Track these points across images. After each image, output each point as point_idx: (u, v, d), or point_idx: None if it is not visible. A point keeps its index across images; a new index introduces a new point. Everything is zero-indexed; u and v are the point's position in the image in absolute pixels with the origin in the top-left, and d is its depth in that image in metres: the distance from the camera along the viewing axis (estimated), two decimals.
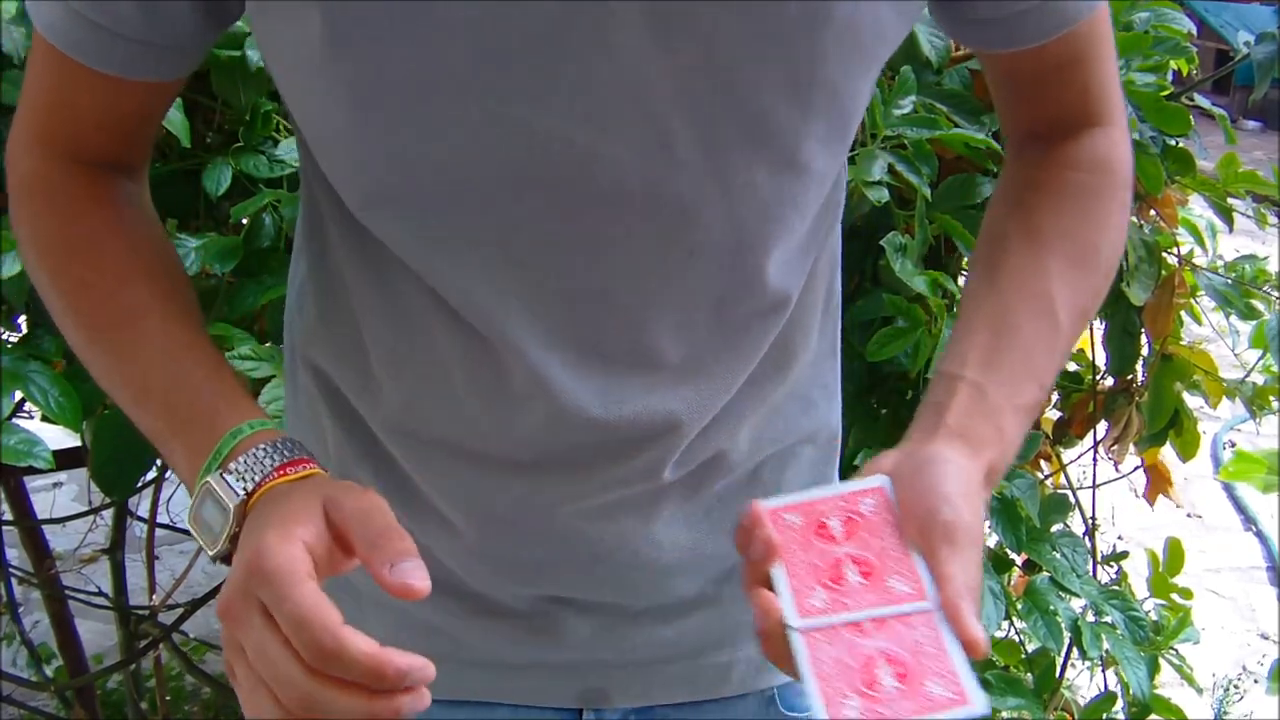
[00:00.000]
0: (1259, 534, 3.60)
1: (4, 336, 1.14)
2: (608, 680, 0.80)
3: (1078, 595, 1.39)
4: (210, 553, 0.61)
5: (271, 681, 0.52)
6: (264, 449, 0.61)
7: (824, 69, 0.60)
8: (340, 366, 0.75)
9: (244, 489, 0.59)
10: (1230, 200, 1.42)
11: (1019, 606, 1.35)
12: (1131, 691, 1.36)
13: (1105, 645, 1.38)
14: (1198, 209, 1.46)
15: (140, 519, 1.82)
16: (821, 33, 0.59)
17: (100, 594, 1.75)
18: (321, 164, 0.66)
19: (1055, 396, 1.56)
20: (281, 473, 0.60)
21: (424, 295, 0.67)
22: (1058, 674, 1.47)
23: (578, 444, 0.68)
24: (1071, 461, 1.59)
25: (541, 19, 0.56)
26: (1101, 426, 1.51)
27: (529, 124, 0.59)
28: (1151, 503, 1.59)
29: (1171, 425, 1.44)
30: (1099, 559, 1.54)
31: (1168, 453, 1.51)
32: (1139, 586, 1.62)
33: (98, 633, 2.20)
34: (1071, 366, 1.54)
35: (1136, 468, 1.58)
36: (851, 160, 1.17)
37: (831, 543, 0.61)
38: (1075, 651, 1.45)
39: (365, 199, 0.64)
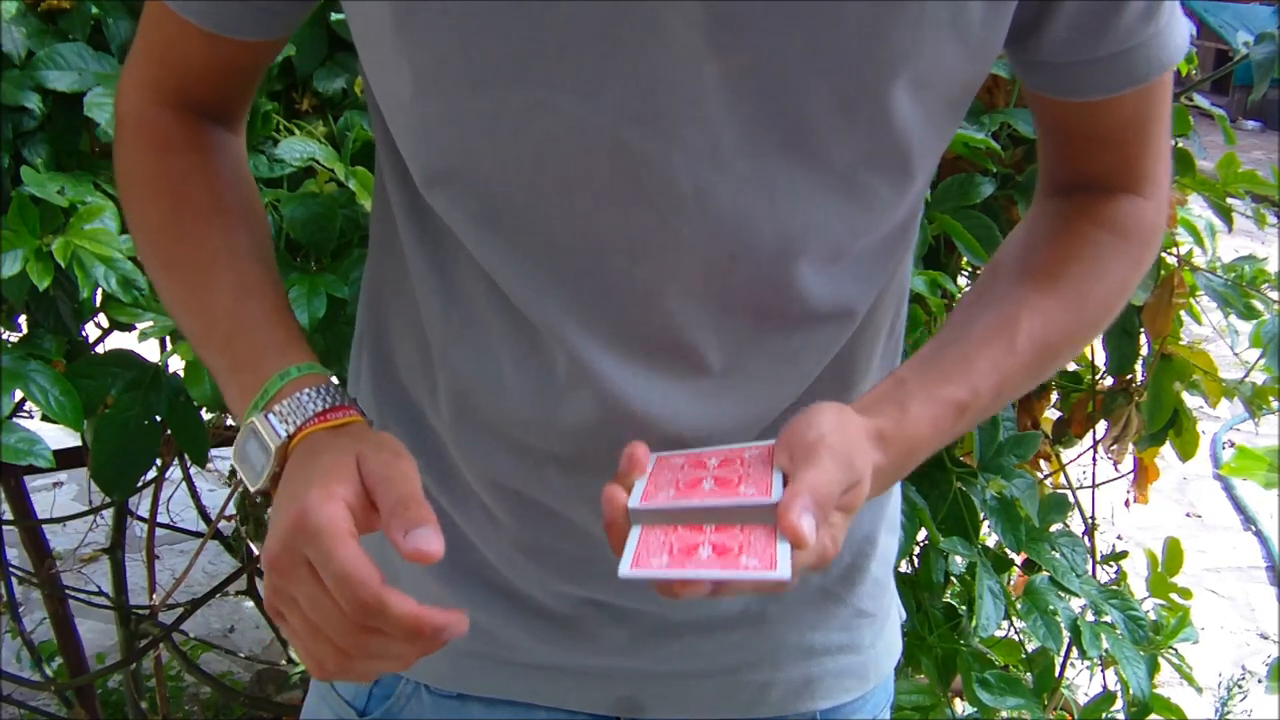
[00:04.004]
0: (1259, 534, 3.60)
1: (4, 336, 1.14)
2: (643, 690, 0.80)
3: (1077, 595, 1.39)
4: (251, 489, 0.64)
5: (325, 627, 0.56)
6: (308, 393, 0.64)
7: (874, 90, 0.60)
8: (400, 348, 0.77)
9: (286, 431, 0.63)
10: (1229, 200, 1.42)
11: (1018, 606, 1.35)
12: (1131, 691, 1.36)
13: (1104, 645, 1.38)
14: (1197, 209, 1.46)
15: (140, 519, 1.82)
16: (874, 55, 0.59)
17: (100, 593, 1.75)
18: (394, 135, 0.68)
19: (1055, 396, 1.56)
20: (322, 419, 0.63)
21: (479, 280, 0.68)
22: (1057, 673, 1.47)
23: (622, 442, 0.68)
24: (1071, 461, 1.59)
25: (595, 14, 0.58)
26: (1101, 426, 1.51)
27: (579, 120, 0.60)
28: (1137, 496, 1.59)
29: (1171, 425, 1.44)
30: (1098, 559, 1.54)
31: (1167, 452, 1.51)
32: (1138, 586, 1.62)
33: (98, 632, 2.20)
34: (1071, 366, 1.54)
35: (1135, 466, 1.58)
36: None
37: (702, 470, 0.62)
38: (1075, 651, 1.45)
39: (428, 176, 0.66)
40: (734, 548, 0.55)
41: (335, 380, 0.67)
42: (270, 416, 0.63)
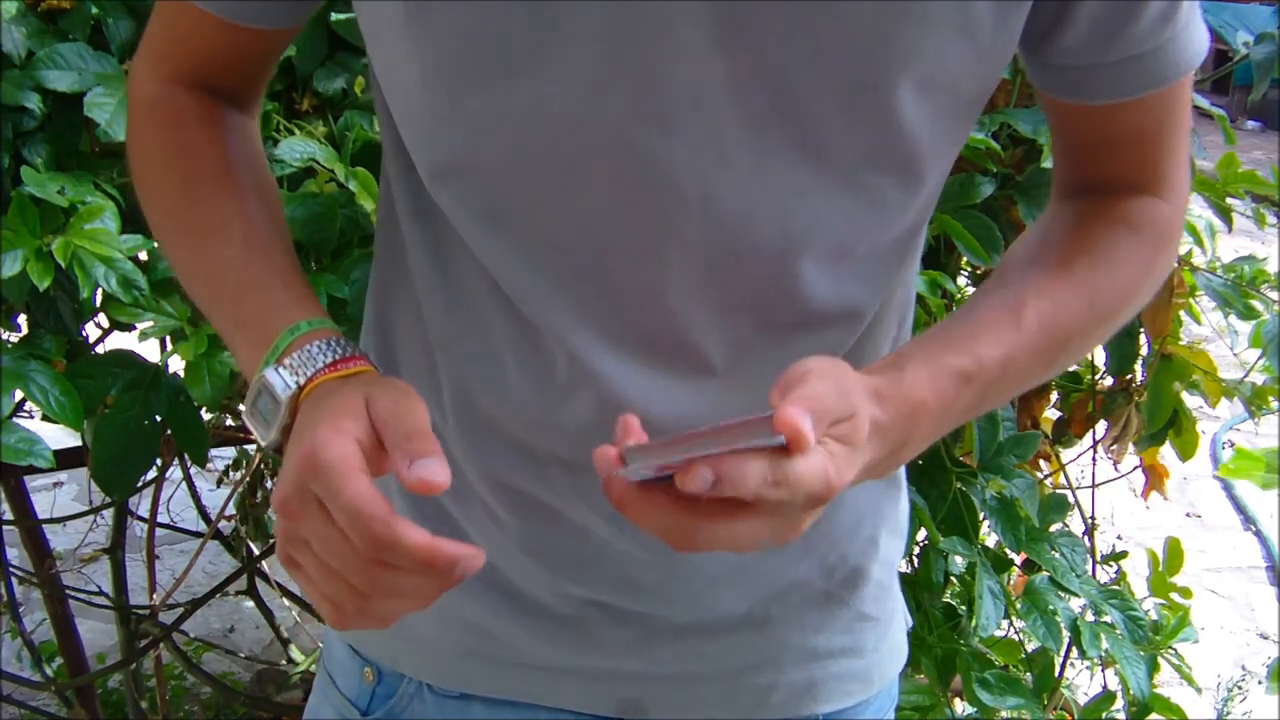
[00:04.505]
0: (1259, 534, 3.60)
1: (4, 336, 1.14)
2: (646, 692, 0.80)
3: (1077, 595, 1.39)
4: (263, 443, 0.64)
5: (340, 567, 0.55)
6: (318, 345, 0.64)
7: (879, 90, 0.60)
8: (404, 347, 0.77)
9: (296, 382, 0.62)
10: (1229, 200, 1.42)
11: (1018, 606, 1.35)
12: (1131, 691, 1.36)
13: (1104, 645, 1.38)
14: (1197, 209, 1.46)
15: (141, 519, 1.82)
16: (879, 55, 0.59)
17: (101, 593, 1.75)
18: (401, 131, 0.68)
19: (1055, 396, 1.56)
20: (333, 369, 0.63)
21: (482, 279, 0.68)
22: (1057, 673, 1.47)
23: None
24: (1071, 461, 1.59)
25: (602, 12, 0.58)
26: (1101, 426, 1.51)
27: (584, 116, 0.60)
28: (1146, 498, 1.59)
29: (1171, 425, 1.44)
30: (1098, 559, 1.54)
31: (1167, 452, 1.51)
32: (1138, 586, 1.63)
33: (98, 632, 2.20)
34: (1071, 366, 1.54)
35: (1136, 467, 1.58)
36: None
37: (697, 430, 0.60)
38: (1074, 651, 1.45)
39: (435, 171, 0.66)
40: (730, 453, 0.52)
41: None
42: (280, 369, 0.63)
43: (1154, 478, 1.56)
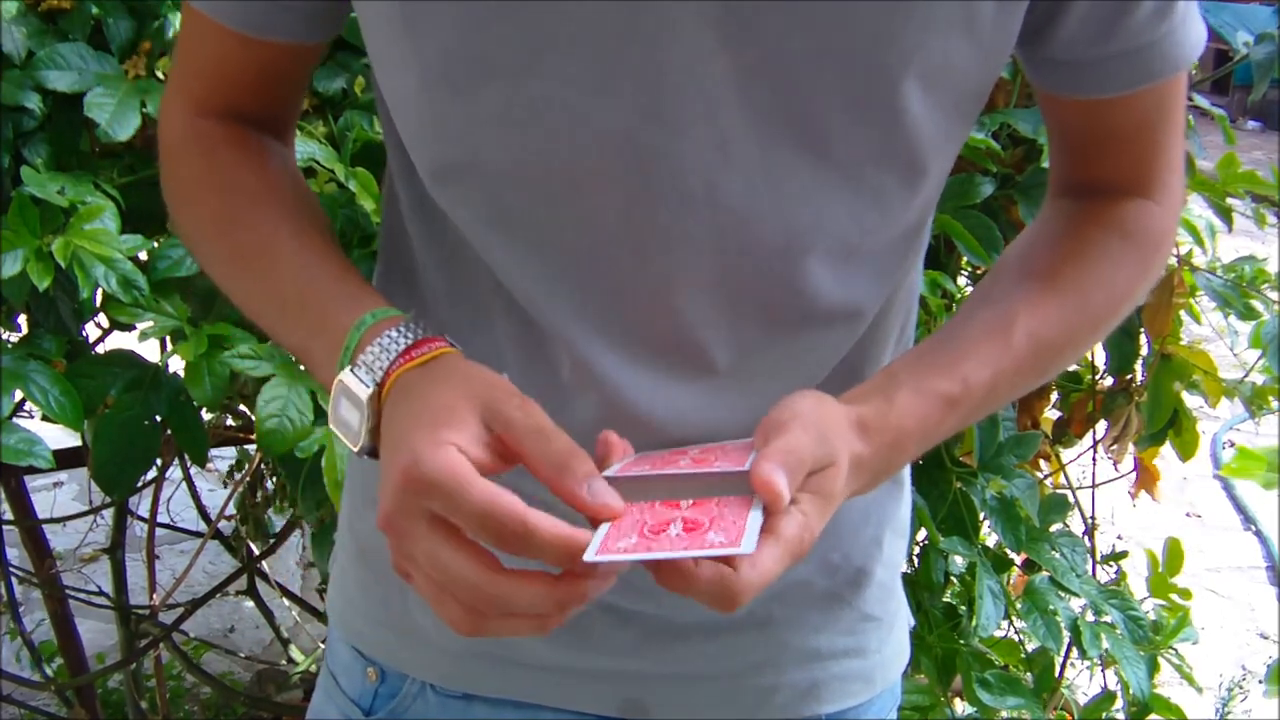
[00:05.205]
0: (1259, 534, 3.60)
1: (4, 336, 1.14)
2: (648, 692, 0.80)
3: (1077, 595, 1.39)
4: (354, 449, 0.61)
5: (450, 587, 0.54)
6: (389, 335, 0.61)
7: (883, 88, 0.61)
8: None
9: (373, 380, 0.60)
10: (1229, 200, 1.42)
11: (1018, 606, 1.35)
12: (1131, 691, 1.36)
13: (1104, 645, 1.38)
14: (1197, 209, 1.46)
15: (141, 518, 1.82)
16: (884, 53, 0.60)
17: (101, 593, 1.75)
18: (401, 131, 0.67)
19: (1055, 396, 1.56)
20: (408, 357, 0.60)
21: (485, 278, 0.68)
22: (1057, 673, 1.47)
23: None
24: (1071, 461, 1.59)
25: (607, 9, 0.58)
26: (1101, 426, 1.51)
27: (589, 114, 0.60)
28: (1134, 497, 1.59)
29: (1171, 425, 1.44)
30: (1098, 559, 1.54)
31: (1167, 452, 1.51)
32: (1138, 586, 1.63)
33: (98, 632, 2.20)
34: (1071, 366, 1.54)
35: (1136, 467, 1.58)
36: None
37: (681, 455, 0.61)
38: (1075, 651, 1.45)
39: (436, 171, 0.66)
40: (704, 522, 0.53)
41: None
42: (356, 370, 0.60)
43: (1144, 478, 1.56)
